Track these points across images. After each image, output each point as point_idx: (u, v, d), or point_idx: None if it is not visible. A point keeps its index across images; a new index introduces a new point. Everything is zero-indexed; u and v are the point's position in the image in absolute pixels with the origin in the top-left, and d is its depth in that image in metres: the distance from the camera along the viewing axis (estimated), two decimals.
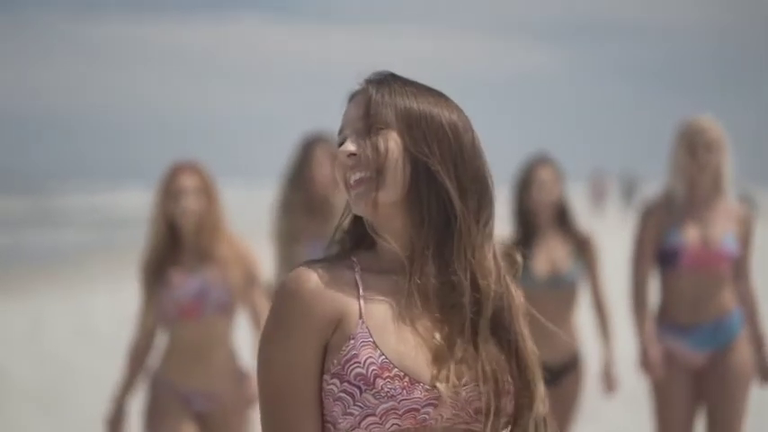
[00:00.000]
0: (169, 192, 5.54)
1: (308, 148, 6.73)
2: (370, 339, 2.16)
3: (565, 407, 6.13)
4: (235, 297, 5.49)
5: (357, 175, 2.22)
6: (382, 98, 2.24)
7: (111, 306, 15.99)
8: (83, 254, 28.77)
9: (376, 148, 2.21)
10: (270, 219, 6.79)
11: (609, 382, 6.27)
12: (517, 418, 2.22)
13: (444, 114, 2.25)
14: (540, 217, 6.24)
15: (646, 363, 5.76)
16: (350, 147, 2.22)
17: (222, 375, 5.48)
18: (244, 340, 5.96)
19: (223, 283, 5.48)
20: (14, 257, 27.99)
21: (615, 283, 6.73)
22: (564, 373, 6.09)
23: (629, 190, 49.81)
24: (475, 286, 2.21)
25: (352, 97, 2.29)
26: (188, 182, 5.55)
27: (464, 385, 2.17)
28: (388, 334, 2.17)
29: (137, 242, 5.67)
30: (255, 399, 5.39)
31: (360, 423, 2.13)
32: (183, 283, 5.47)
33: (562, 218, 6.27)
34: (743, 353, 5.71)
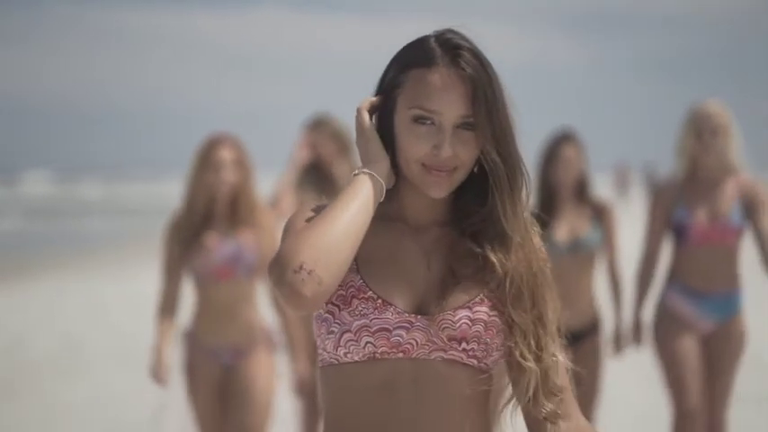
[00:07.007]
0: (207, 163, 5.56)
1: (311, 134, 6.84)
2: (354, 266, 2.26)
3: (588, 368, 6.09)
4: (263, 261, 5.53)
5: (445, 170, 2.27)
6: (486, 107, 2.25)
7: (154, 283, 16.92)
8: (132, 239, 29.51)
9: (471, 152, 2.27)
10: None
11: (617, 345, 6.34)
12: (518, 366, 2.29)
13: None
14: (563, 191, 6.34)
15: (632, 331, 6.05)
16: (449, 152, 2.24)
17: (248, 331, 5.57)
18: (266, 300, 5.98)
19: (255, 248, 5.56)
20: (69, 242, 28.96)
21: (634, 264, 6.72)
22: (585, 335, 6.18)
23: (651, 179, 49.04)
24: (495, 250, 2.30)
25: (438, 65, 2.27)
26: (225, 154, 5.56)
27: (441, 313, 2.23)
28: (373, 263, 2.27)
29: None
30: (278, 352, 5.74)
31: (339, 340, 2.23)
32: (218, 247, 5.53)
33: (583, 190, 6.37)
34: (744, 327, 5.89)
